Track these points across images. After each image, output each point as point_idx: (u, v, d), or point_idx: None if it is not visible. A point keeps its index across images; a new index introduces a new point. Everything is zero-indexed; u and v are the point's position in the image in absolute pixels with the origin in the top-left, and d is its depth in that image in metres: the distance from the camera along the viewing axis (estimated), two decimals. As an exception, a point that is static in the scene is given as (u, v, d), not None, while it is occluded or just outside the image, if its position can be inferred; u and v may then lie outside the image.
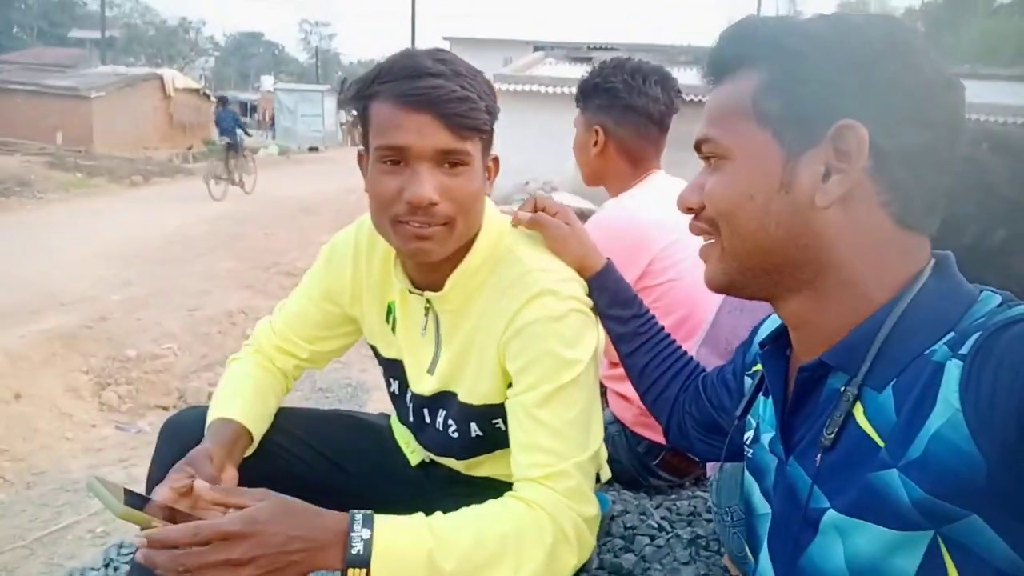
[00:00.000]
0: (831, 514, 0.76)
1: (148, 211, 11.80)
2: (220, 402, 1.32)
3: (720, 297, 1.55)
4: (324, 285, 1.42)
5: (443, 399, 1.30)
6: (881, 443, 0.72)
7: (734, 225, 0.81)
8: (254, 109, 34.91)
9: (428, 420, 1.35)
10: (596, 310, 1.30)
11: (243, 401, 1.33)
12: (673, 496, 1.91)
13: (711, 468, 1.63)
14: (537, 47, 18.03)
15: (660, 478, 1.94)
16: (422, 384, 1.32)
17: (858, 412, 0.75)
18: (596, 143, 1.95)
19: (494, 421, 1.26)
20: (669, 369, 1.27)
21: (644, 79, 1.90)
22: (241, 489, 1.06)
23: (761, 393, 0.97)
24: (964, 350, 0.67)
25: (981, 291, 0.75)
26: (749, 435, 0.98)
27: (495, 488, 1.17)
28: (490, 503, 1.08)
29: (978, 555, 0.66)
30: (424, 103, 1.07)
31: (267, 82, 37.36)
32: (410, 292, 1.27)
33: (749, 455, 0.96)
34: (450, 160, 1.10)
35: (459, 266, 1.21)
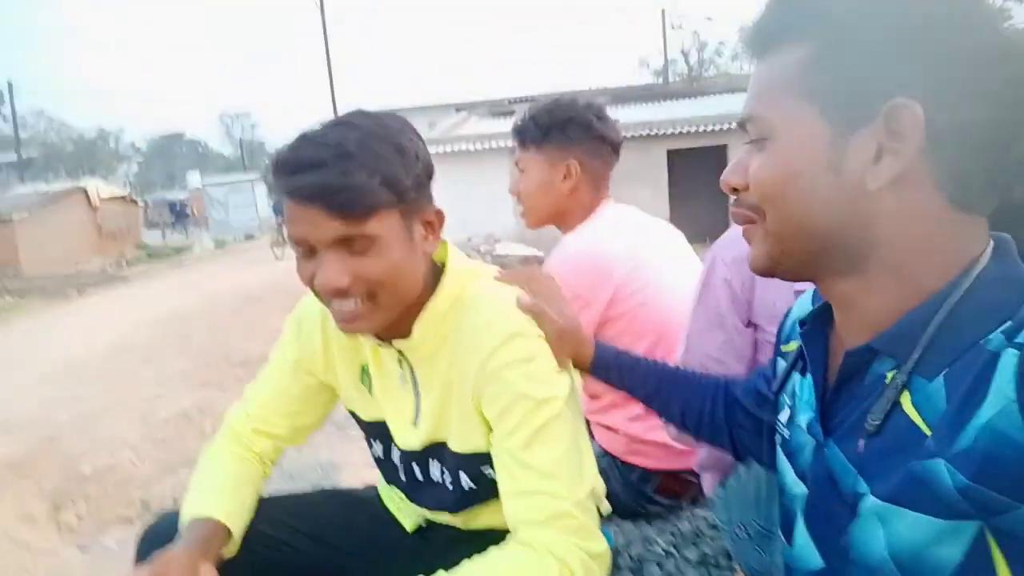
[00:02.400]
0: (870, 500, 0.74)
1: (88, 324, 11.47)
2: (194, 499, 1.26)
3: (687, 317, 1.55)
4: (296, 357, 1.37)
5: (434, 451, 1.27)
6: (928, 431, 0.69)
7: (779, 207, 0.78)
8: (184, 207, 34.48)
9: (421, 476, 1.31)
10: (611, 384, 1.29)
11: (219, 495, 1.27)
12: (673, 519, 1.89)
13: (708, 487, 1.62)
14: (459, 108, 18.34)
15: (658, 504, 1.91)
16: (409, 438, 1.28)
17: (905, 400, 0.73)
18: (566, 177, 1.94)
19: (483, 468, 1.23)
20: (704, 399, 1.23)
21: (601, 110, 1.95)
22: None
23: (797, 371, 0.94)
24: (1021, 339, 0.65)
25: None
26: (784, 415, 0.95)
27: (496, 540, 1.12)
28: (492, 551, 1.05)
29: None
30: (309, 197, 1.04)
31: (194, 179, 37.04)
32: (379, 345, 1.24)
33: (784, 435, 0.94)
34: (353, 244, 1.07)
35: (422, 314, 1.19)
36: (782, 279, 0.85)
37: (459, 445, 1.23)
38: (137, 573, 1.05)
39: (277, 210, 19.54)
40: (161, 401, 6.88)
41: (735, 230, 1.34)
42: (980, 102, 0.69)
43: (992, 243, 0.74)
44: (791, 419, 0.93)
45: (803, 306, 1.01)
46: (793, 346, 0.98)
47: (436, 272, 1.22)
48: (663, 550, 1.70)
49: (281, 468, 5.35)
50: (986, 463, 0.64)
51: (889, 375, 0.75)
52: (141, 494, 5.20)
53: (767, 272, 0.84)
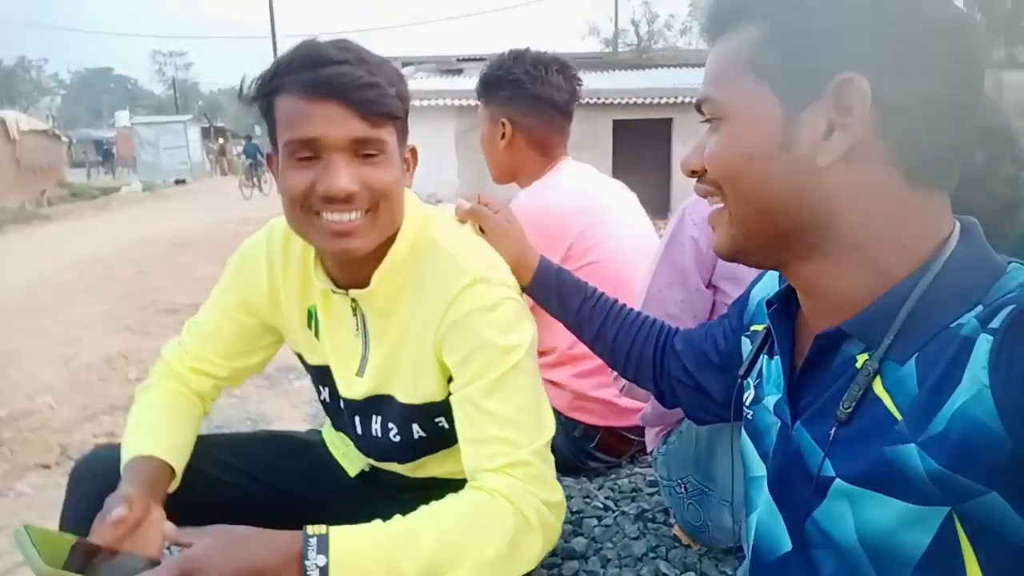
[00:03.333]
0: (841, 484, 0.74)
1: (5, 262, 10.93)
2: (134, 438, 1.21)
3: (642, 275, 1.56)
4: (238, 296, 1.32)
5: (378, 403, 1.24)
6: (899, 416, 0.70)
7: (736, 188, 0.78)
8: (111, 146, 32.95)
9: (361, 428, 1.29)
10: (544, 307, 1.29)
11: (160, 434, 1.22)
12: (612, 476, 1.92)
13: (651, 443, 1.64)
14: (406, 63, 17.96)
15: (598, 460, 1.94)
16: (352, 388, 1.26)
17: (876, 384, 0.73)
18: (503, 136, 1.94)
19: (436, 420, 1.22)
20: (637, 336, 1.24)
21: (546, 68, 1.91)
22: (192, 530, 0.95)
23: (765, 353, 0.95)
24: (995, 324, 0.65)
25: (1009, 262, 0.73)
26: (748, 395, 0.96)
27: (440, 488, 1.12)
28: (450, 497, 1.04)
29: (995, 532, 0.66)
30: (331, 91, 1.02)
31: (122, 117, 35.40)
32: (333, 292, 1.21)
33: (748, 416, 0.94)
34: (365, 149, 1.05)
35: (383, 262, 1.15)
36: (746, 264, 0.86)
37: (410, 396, 1.21)
38: (101, 521, 1.01)
39: (248, 152, 21.53)
40: (82, 345, 6.64)
41: None
42: (930, 77, 0.69)
43: (959, 226, 0.75)
44: (756, 399, 0.94)
45: (768, 286, 1.02)
46: (759, 327, 0.99)
47: None
48: (602, 504, 1.72)
49: (209, 420, 5.21)
50: (958, 449, 0.64)
51: (860, 359, 0.75)
52: (60, 439, 5.02)
53: (731, 256, 0.84)
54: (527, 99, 1.91)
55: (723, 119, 0.78)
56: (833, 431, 0.75)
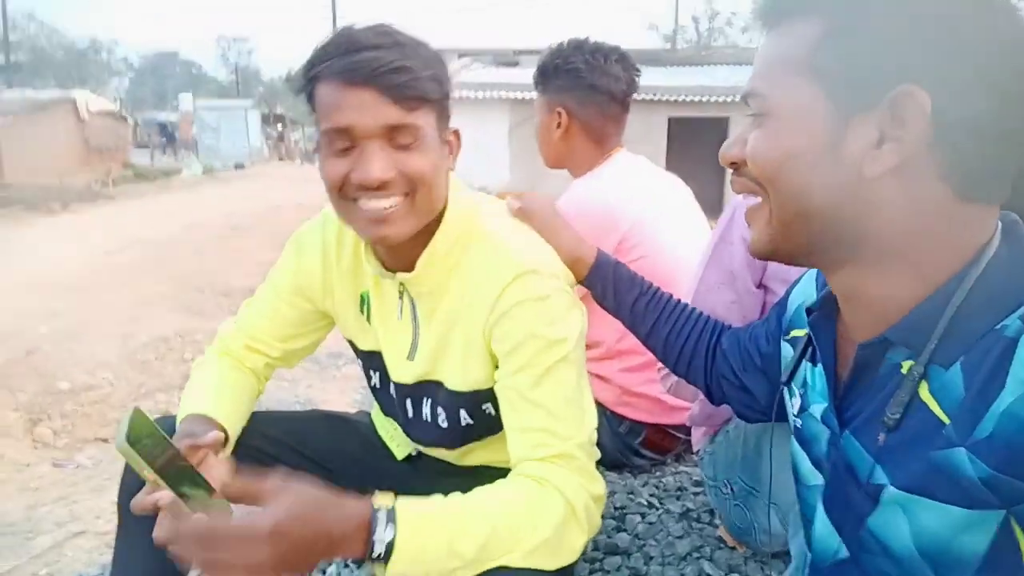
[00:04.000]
0: (891, 490, 0.74)
1: (70, 239, 11.31)
2: (191, 401, 1.24)
3: (693, 273, 1.54)
4: (293, 281, 1.35)
5: (427, 388, 1.25)
6: (946, 420, 0.69)
7: (776, 186, 0.76)
8: (173, 130, 33.84)
9: (412, 412, 1.30)
10: (600, 301, 1.28)
11: (216, 398, 1.25)
12: (658, 473, 1.91)
13: (697, 442, 1.62)
14: (462, 54, 18.01)
15: (643, 457, 1.93)
16: (403, 372, 1.27)
17: (923, 389, 0.72)
18: (559, 125, 1.93)
19: (484, 407, 1.22)
20: (691, 333, 1.24)
21: (605, 58, 1.89)
22: (262, 483, 0.92)
23: (807, 360, 0.94)
24: None
25: None
26: (795, 403, 0.95)
27: (487, 476, 1.12)
28: (502, 482, 1.04)
29: None
30: (362, 77, 1.01)
31: (186, 101, 36.30)
32: (383, 276, 1.22)
33: (797, 425, 0.94)
34: (399, 135, 1.04)
35: (429, 246, 1.16)
36: (782, 262, 0.84)
37: (458, 383, 1.21)
38: (185, 439, 1.05)
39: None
40: (141, 324, 6.84)
41: None
42: (991, 95, 0.67)
43: (1000, 226, 0.73)
44: (803, 408, 0.93)
45: (807, 292, 1.01)
46: (799, 332, 0.98)
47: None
48: (646, 502, 1.71)
49: (259, 403, 5.33)
50: (1008, 451, 0.63)
51: (905, 365, 0.74)
52: (117, 415, 5.19)
53: (766, 255, 0.82)
54: (584, 89, 1.89)
55: (769, 115, 0.76)
56: (882, 438, 0.75)
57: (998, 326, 0.67)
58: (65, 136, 20.82)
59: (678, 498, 1.75)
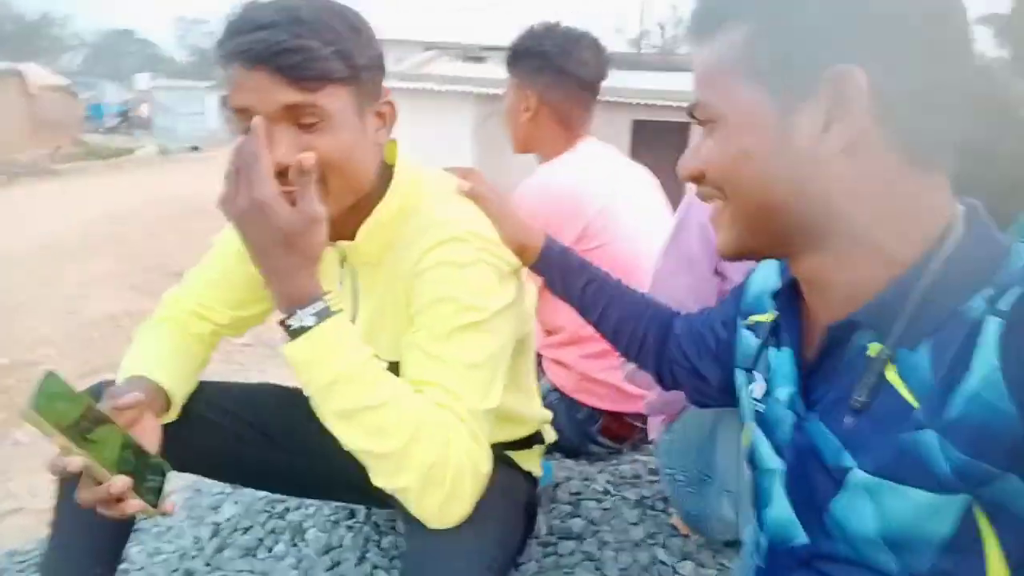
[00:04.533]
0: (859, 474, 0.73)
1: (15, 215, 10.94)
2: (131, 363, 1.19)
3: (653, 259, 1.54)
4: (240, 246, 1.31)
5: None
6: (915, 403, 0.69)
7: (737, 187, 0.77)
8: (127, 108, 32.96)
9: None
10: (549, 287, 1.26)
11: (158, 361, 1.20)
12: (615, 462, 1.90)
13: (653, 431, 1.62)
14: (428, 47, 17.87)
15: (600, 444, 1.93)
16: None
17: (890, 372, 0.72)
18: (527, 108, 1.91)
19: None
20: (641, 318, 1.23)
21: (575, 43, 1.88)
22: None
23: (771, 344, 0.93)
24: (1003, 306, 0.64)
25: (1012, 242, 0.72)
26: (757, 388, 0.94)
27: None
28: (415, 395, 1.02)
29: (1015, 515, 0.66)
30: (255, 57, 0.96)
31: (142, 80, 35.44)
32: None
33: (759, 410, 0.93)
34: (302, 117, 1.00)
35: (369, 217, 1.13)
36: (752, 259, 0.86)
37: (388, 352, 1.16)
38: (109, 399, 1.03)
39: None
40: (87, 301, 6.65)
41: None
42: (926, 62, 0.68)
43: (962, 208, 0.74)
44: (767, 393, 0.92)
45: (768, 277, 1.00)
46: (762, 318, 0.97)
47: (386, 174, 1.16)
48: (602, 488, 1.71)
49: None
50: (975, 434, 0.64)
51: (872, 348, 0.74)
52: (58, 391, 5.04)
53: (735, 255, 0.83)
54: (554, 72, 1.88)
55: (718, 121, 0.77)
56: (849, 421, 0.74)
57: (962, 307, 0.68)
58: (13, 110, 20.12)
59: (633, 486, 1.75)
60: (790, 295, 0.87)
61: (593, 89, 1.94)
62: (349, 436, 1.01)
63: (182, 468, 1.28)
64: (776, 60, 0.72)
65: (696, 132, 0.83)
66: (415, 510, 1.00)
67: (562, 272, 1.26)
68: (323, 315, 0.97)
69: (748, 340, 1.00)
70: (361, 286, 1.20)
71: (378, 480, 1.00)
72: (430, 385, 1.02)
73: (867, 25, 0.68)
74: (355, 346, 1.00)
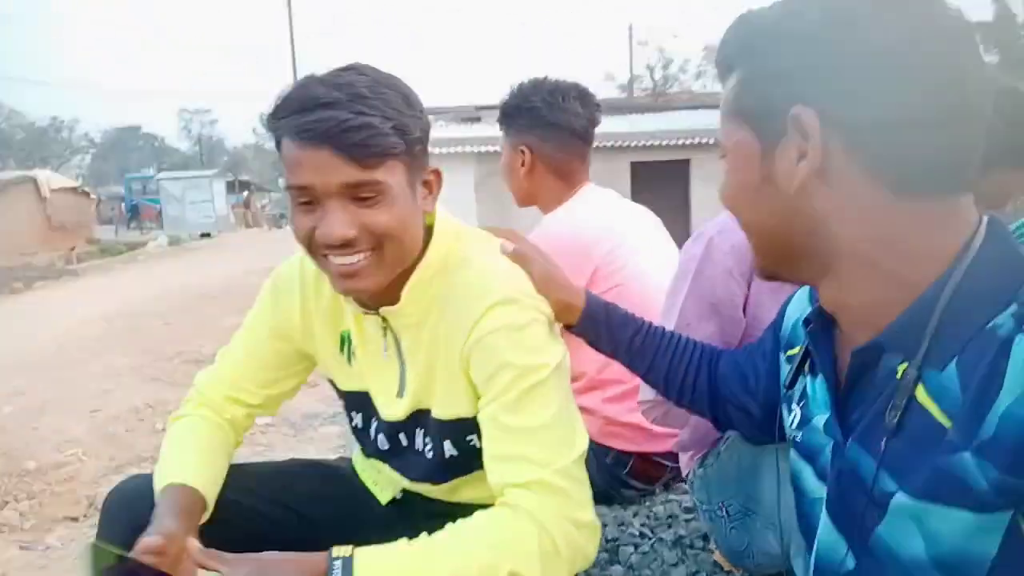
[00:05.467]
0: (903, 499, 0.73)
1: (34, 317, 11.11)
2: (168, 467, 1.20)
3: (664, 304, 1.54)
4: (272, 323, 1.32)
5: (419, 418, 1.23)
6: (948, 423, 0.69)
7: (739, 216, 0.86)
8: (136, 203, 33.67)
9: (406, 443, 1.27)
10: (594, 344, 1.27)
11: (194, 463, 1.21)
12: (648, 503, 1.88)
13: (686, 467, 1.60)
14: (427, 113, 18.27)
15: (631, 487, 1.90)
16: (393, 409, 1.24)
17: (920, 393, 0.73)
18: (523, 163, 1.96)
19: (468, 438, 1.20)
20: (690, 366, 1.24)
21: (563, 96, 1.94)
22: (215, 553, 0.99)
23: (808, 373, 0.94)
24: None
25: None
26: (795, 418, 0.95)
27: (473, 514, 1.08)
28: (477, 514, 1.02)
29: None
30: (318, 138, 0.99)
31: (149, 174, 36.26)
32: (364, 314, 1.20)
33: (797, 439, 0.94)
34: (360, 193, 1.03)
35: (411, 277, 1.14)
36: (782, 280, 0.91)
37: (442, 412, 1.19)
38: (143, 547, 1.01)
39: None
40: (110, 397, 6.67)
41: (726, 217, 1.33)
42: (884, 94, 0.71)
43: (985, 223, 0.74)
44: (804, 421, 0.93)
45: (801, 306, 1.02)
46: (798, 349, 0.98)
47: (426, 236, 1.18)
48: (638, 532, 1.68)
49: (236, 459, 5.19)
50: (1013, 454, 0.63)
51: (900, 369, 0.75)
52: (88, 492, 5.01)
53: (768, 277, 0.91)
54: (545, 126, 1.93)
55: (725, 158, 0.85)
56: (884, 443, 0.74)
57: (989, 325, 0.68)
58: (27, 215, 20.62)
59: (670, 526, 1.72)
60: (822, 321, 0.88)
61: (586, 138, 1.98)
62: None
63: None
64: (757, 105, 0.80)
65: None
66: None
67: (608, 327, 1.26)
68: (347, 568, 0.93)
69: (785, 371, 1.01)
70: (406, 350, 1.21)
71: None
72: (512, 460, 1.05)
73: (817, 69, 0.74)
74: (395, 557, 0.97)
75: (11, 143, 48.32)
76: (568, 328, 1.25)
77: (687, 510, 1.78)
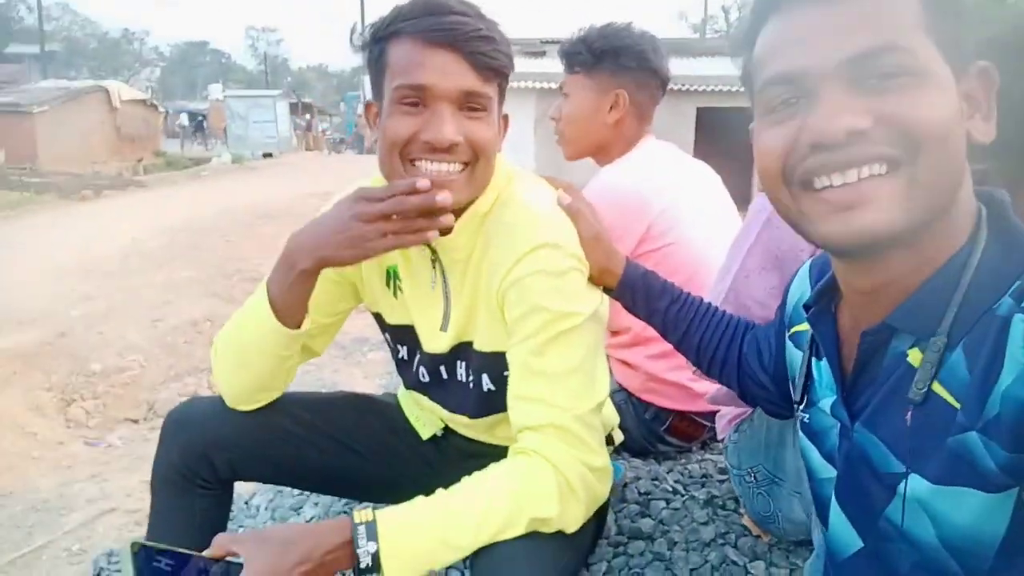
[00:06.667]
0: (912, 479, 0.73)
1: (102, 225, 11.50)
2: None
3: (724, 262, 1.52)
4: None
5: (461, 351, 1.26)
6: (957, 405, 0.69)
7: (944, 149, 0.69)
8: (202, 119, 34.20)
9: (447, 375, 1.31)
10: (630, 309, 1.28)
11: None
12: (683, 460, 1.90)
13: (722, 430, 1.61)
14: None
15: (668, 444, 1.92)
16: (437, 343, 1.28)
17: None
18: (613, 107, 1.88)
19: (505, 373, 1.22)
20: (723, 338, 1.24)
21: (648, 40, 1.89)
22: (237, 538, 1.00)
23: (812, 355, 0.94)
24: None
25: None
26: (801, 397, 0.95)
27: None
28: (492, 466, 1.05)
29: None
30: (449, 39, 1.03)
31: (215, 90, 36.61)
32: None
33: (805, 419, 0.94)
34: (471, 103, 1.07)
35: (466, 211, 1.16)
36: (888, 246, 0.73)
37: (483, 344, 1.22)
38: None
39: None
40: (170, 308, 6.92)
41: None
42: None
43: (983, 209, 0.74)
44: (810, 403, 0.93)
45: (802, 288, 1.00)
46: (800, 328, 0.98)
47: None
48: (671, 488, 1.71)
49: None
50: (1016, 431, 0.63)
51: (911, 355, 0.74)
52: (147, 396, 5.28)
53: (890, 236, 0.71)
54: (648, 72, 1.89)
55: (916, 75, 0.69)
56: (909, 416, 0.74)
57: (994, 306, 0.68)
58: (98, 124, 21.17)
59: (703, 485, 1.74)
60: (823, 303, 0.87)
61: (666, 88, 1.94)
62: (487, 544, 1.00)
63: (265, 480, 1.35)
64: (950, 33, 0.71)
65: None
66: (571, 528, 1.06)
67: (646, 295, 1.26)
68: (372, 532, 0.95)
69: (793, 352, 1.01)
70: (452, 285, 1.24)
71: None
72: (533, 401, 1.07)
73: (996, 28, 0.75)
74: (417, 515, 0.99)
75: (84, 52, 49.22)
76: (606, 291, 1.25)
77: (721, 471, 1.80)
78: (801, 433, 0.95)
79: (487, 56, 1.05)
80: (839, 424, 0.85)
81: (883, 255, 0.73)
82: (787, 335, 1.04)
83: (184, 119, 32.45)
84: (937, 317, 0.71)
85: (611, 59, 1.88)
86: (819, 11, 0.71)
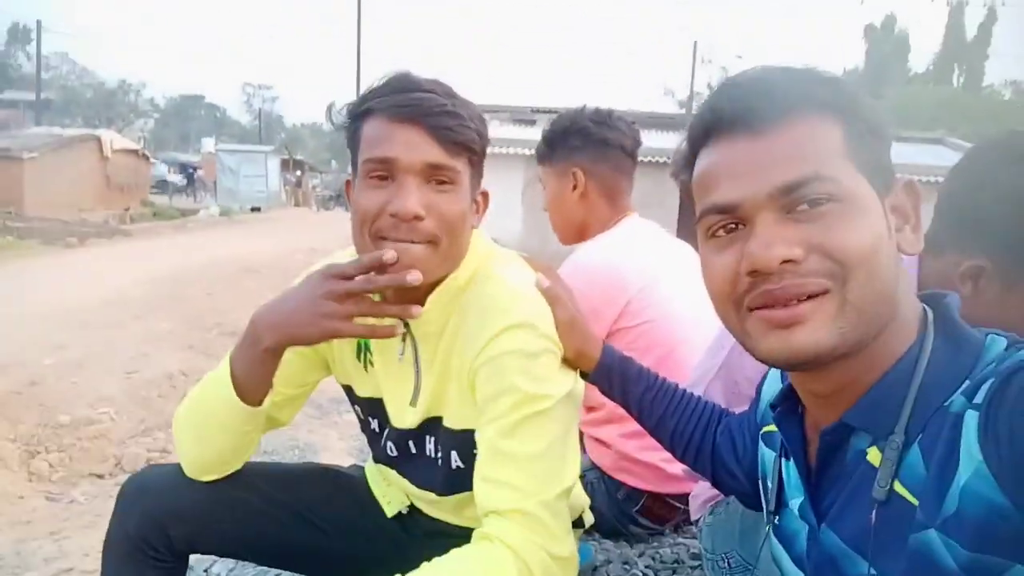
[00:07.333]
0: None
1: (84, 273, 11.40)
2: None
3: (704, 336, 1.52)
4: None
5: (430, 426, 1.24)
6: (915, 501, 0.70)
7: (871, 270, 0.72)
8: (195, 171, 34.40)
9: (415, 450, 1.28)
10: (607, 394, 1.27)
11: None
12: (655, 544, 1.87)
13: (695, 511, 1.59)
14: (481, 110, 18.34)
15: (640, 525, 1.89)
16: (406, 418, 1.26)
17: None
18: (575, 187, 1.94)
19: (475, 451, 1.20)
20: (697, 425, 1.23)
21: (608, 115, 1.94)
22: None
23: (781, 455, 0.94)
24: (979, 399, 0.66)
25: (986, 334, 0.74)
26: (773, 500, 0.95)
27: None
28: (456, 550, 1.02)
29: None
30: (413, 114, 1.06)
31: (208, 144, 37.00)
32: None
33: (776, 522, 0.93)
34: (438, 176, 1.08)
35: (440, 285, 1.16)
36: (824, 365, 0.75)
37: (453, 421, 1.20)
38: None
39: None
40: (146, 360, 6.82)
41: None
42: None
43: (928, 311, 0.77)
44: (782, 503, 0.93)
45: (774, 386, 1.01)
46: (770, 428, 0.98)
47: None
48: (641, 573, 1.67)
49: (259, 445, 5.25)
50: (975, 528, 0.64)
51: (871, 453, 0.75)
52: (115, 451, 5.14)
53: (829, 354, 0.73)
54: (597, 144, 1.93)
55: (841, 201, 0.73)
56: (874, 516, 0.74)
57: (946, 403, 0.70)
58: (88, 172, 21.25)
59: (674, 571, 1.71)
60: (789, 404, 0.88)
61: (633, 157, 1.98)
62: None
63: (223, 554, 1.30)
64: (872, 159, 0.76)
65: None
66: None
67: (622, 380, 1.26)
68: None
69: (765, 452, 1.02)
70: (423, 360, 1.22)
71: None
72: (499, 485, 1.05)
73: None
74: None
75: (80, 101, 49.69)
76: (582, 376, 1.24)
77: (694, 556, 1.77)
78: (773, 538, 0.94)
79: (452, 131, 1.07)
80: (807, 527, 0.85)
81: (827, 367, 0.76)
82: (760, 433, 1.04)
83: (172, 173, 32.62)
84: (892, 416, 0.73)
85: (561, 143, 1.97)
86: (748, 145, 0.76)
